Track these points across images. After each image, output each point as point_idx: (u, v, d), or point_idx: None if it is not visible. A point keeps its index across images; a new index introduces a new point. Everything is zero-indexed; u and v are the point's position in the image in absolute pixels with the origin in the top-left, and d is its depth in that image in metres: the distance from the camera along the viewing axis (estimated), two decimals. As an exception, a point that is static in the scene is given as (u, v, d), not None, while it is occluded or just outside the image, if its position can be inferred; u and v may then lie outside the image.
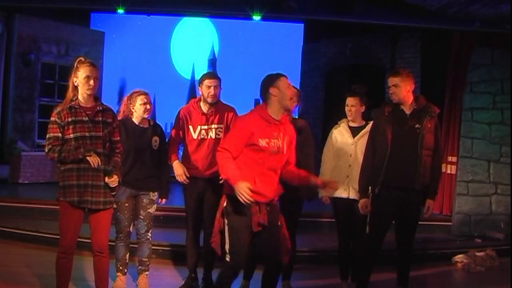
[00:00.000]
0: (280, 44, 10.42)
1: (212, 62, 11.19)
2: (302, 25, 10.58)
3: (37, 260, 5.19)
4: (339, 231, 4.82)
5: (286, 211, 4.16)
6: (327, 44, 10.51)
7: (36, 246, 5.73)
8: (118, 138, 3.93)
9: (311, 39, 10.61)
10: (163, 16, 9.92)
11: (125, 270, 4.56)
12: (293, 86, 4.61)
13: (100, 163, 3.71)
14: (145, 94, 4.51)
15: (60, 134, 3.68)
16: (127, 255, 4.55)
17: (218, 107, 4.52)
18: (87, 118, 3.68)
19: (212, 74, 4.67)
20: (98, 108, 3.76)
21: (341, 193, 4.62)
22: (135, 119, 4.48)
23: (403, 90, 4.19)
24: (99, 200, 3.74)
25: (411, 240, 4.34)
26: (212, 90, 4.42)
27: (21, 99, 9.34)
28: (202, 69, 11.39)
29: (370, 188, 4.30)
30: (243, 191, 3.42)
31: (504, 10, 6.23)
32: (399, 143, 4.16)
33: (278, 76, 3.73)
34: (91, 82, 3.68)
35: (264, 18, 7.54)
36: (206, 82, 4.45)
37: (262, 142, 3.61)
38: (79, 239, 3.89)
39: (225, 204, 3.70)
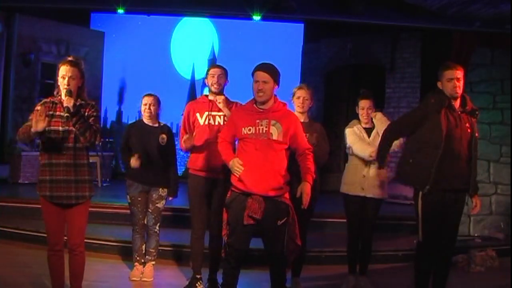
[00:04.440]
0: (280, 44, 10.41)
1: (212, 62, 11.19)
2: (302, 25, 10.58)
3: (37, 260, 5.19)
4: (349, 227, 4.86)
5: (298, 209, 4.16)
6: (327, 44, 10.51)
7: (36, 246, 5.73)
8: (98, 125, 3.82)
9: (311, 39, 10.61)
10: (163, 16, 9.92)
11: (142, 260, 4.95)
12: (303, 85, 4.73)
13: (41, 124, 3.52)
14: (149, 96, 4.92)
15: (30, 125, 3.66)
16: (143, 246, 4.95)
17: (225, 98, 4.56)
18: (64, 114, 3.62)
19: (215, 64, 4.81)
20: (77, 103, 3.66)
21: (359, 191, 4.74)
22: (144, 119, 4.90)
23: (462, 85, 4.08)
24: (71, 195, 3.70)
25: (454, 242, 4.25)
26: (215, 79, 4.50)
27: (21, 99, 9.33)
28: (202, 69, 11.39)
29: (418, 186, 4.12)
30: (234, 165, 3.68)
31: (504, 10, 6.23)
32: (451, 141, 3.99)
33: (253, 70, 3.78)
34: (66, 81, 3.64)
35: (264, 18, 7.53)
36: (210, 71, 4.57)
37: (245, 130, 3.73)
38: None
39: (228, 197, 3.80)
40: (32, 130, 3.54)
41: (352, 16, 7.33)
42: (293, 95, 4.63)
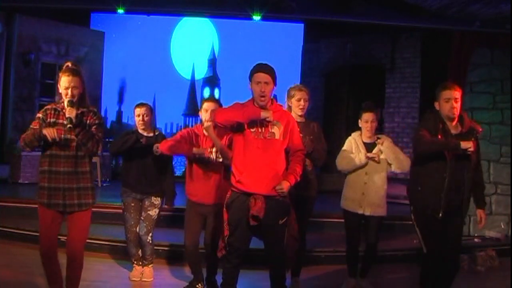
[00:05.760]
0: (280, 44, 10.43)
1: (212, 62, 11.21)
2: (302, 25, 10.60)
3: (36, 260, 5.17)
4: (348, 240, 4.79)
5: (297, 209, 4.16)
6: (327, 44, 10.52)
7: (36, 246, 5.66)
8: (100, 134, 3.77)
9: (311, 39, 10.62)
10: (163, 16, 9.94)
11: (140, 262, 4.95)
12: (302, 86, 4.65)
13: (56, 134, 3.53)
14: (141, 106, 4.82)
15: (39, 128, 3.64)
16: (139, 251, 4.93)
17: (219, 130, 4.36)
18: (66, 123, 3.56)
19: (209, 98, 4.75)
20: (78, 112, 3.61)
21: (357, 209, 4.66)
22: (139, 130, 4.81)
23: (460, 105, 3.95)
24: (73, 202, 3.67)
25: (459, 251, 4.18)
26: (208, 114, 4.35)
27: (21, 99, 9.34)
28: (202, 69, 11.41)
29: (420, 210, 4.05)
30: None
31: (504, 10, 6.24)
32: (452, 166, 3.91)
33: (253, 71, 3.75)
34: (69, 91, 3.61)
35: (264, 18, 7.54)
36: (204, 106, 4.45)
37: (248, 127, 3.70)
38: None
39: (228, 197, 3.78)
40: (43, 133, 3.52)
41: (352, 16, 7.35)
42: (292, 97, 4.53)
